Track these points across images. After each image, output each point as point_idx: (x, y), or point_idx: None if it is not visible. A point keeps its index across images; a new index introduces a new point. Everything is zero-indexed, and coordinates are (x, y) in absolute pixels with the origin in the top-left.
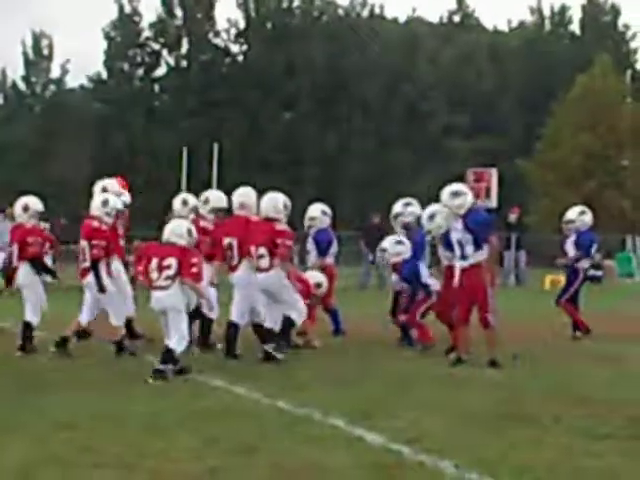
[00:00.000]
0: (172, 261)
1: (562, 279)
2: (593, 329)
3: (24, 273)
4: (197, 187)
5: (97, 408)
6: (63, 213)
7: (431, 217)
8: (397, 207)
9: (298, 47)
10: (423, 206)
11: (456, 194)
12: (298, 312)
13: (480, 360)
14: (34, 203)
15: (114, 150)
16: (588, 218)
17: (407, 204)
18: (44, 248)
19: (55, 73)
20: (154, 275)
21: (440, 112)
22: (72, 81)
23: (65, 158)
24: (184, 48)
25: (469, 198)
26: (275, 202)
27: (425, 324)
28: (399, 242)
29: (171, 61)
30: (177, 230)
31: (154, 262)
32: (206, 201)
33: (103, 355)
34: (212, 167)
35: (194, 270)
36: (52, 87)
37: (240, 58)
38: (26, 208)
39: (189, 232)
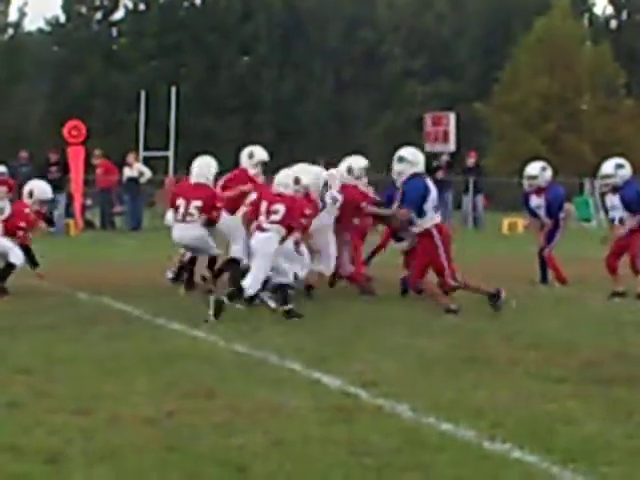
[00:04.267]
0: (280, 207)
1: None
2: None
3: None
4: (155, 130)
5: (53, 352)
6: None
7: None
8: (608, 168)
9: None
10: (377, 151)
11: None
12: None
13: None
14: None
15: (72, 94)
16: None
17: (619, 166)
18: None
19: (13, 17)
20: (262, 217)
21: (398, 56)
22: (30, 24)
23: (23, 102)
24: None
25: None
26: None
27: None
28: None
29: (129, 4)
30: (283, 180)
31: (264, 205)
32: (251, 155)
33: (56, 299)
34: (170, 111)
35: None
36: (10, 31)
37: (198, 1)
38: None
39: (296, 181)
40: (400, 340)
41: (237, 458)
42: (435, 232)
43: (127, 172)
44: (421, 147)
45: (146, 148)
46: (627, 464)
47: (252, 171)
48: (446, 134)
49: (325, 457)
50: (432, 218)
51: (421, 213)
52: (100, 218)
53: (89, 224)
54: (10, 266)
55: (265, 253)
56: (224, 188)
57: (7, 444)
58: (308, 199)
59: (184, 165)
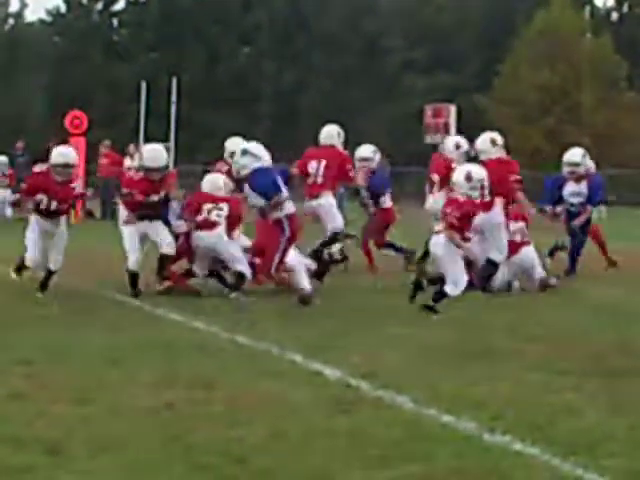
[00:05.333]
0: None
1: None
2: (557, 266)
3: None
4: (156, 121)
5: (53, 343)
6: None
7: None
8: (576, 157)
9: None
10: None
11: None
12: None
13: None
14: None
15: (73, 84)
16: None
17: (585, 155)
18: None
19: (14, 7)
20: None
21: (399, 47)
22: (31, 15)
23: (23, 92)
24: None
25: None
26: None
27: None
28: None
29: None
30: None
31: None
32: (339, 134)
33: (56, 290)
34: (171, 102)
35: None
36: (11, 21)
37: None
38: None
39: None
40: (401, 331)
41: (237, 449)
42: (286, 223)
43: (128, 162)
44: (421, 138)
45: (147, 139)
46: (628, 456)
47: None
48: (446, 126)
49: (325, 449)
50: (287, 208)
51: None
52: (101, 208)
53: (89, 214)
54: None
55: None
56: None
57: (8, 435)
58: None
59: (185, 156)
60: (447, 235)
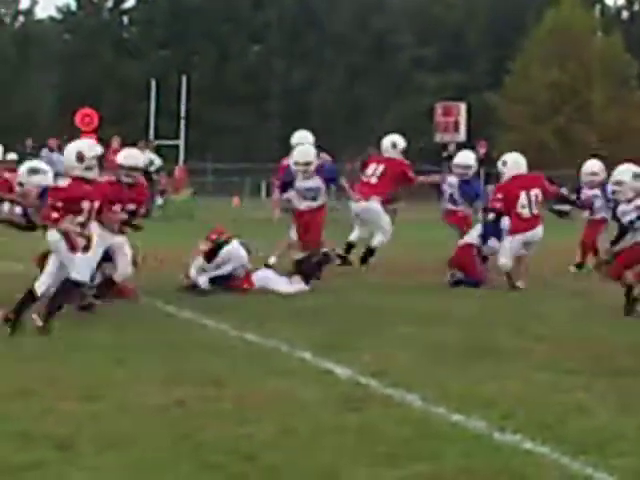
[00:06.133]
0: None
1: None
2: (564, 264)
3: None
4: (166, 119)
5: (63, 339)
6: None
7: None
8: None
9: None
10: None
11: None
12: None
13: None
14: None
15: (82, 82)
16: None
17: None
18: None
19: (25, 4)
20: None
21: (409, 45)
22: (41, 12)
23: (33, 90)
24: None
25: None
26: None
27: None
28: None
29: None
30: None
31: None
32: (394, 145)
33: None
34: (180, 99)
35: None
36: (21, 18)
37: None
38: None
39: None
40: (410, 330)
41: (246, 447)
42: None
43: None
44: (432, 137)
45: (156, 137)
46: (638, 455)
47: None
48: (456, 124)
49: (334, 446)
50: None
51: None
52: None
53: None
54: None
55: None
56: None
57: (18, 431)
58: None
59: (194, 154)
60: None
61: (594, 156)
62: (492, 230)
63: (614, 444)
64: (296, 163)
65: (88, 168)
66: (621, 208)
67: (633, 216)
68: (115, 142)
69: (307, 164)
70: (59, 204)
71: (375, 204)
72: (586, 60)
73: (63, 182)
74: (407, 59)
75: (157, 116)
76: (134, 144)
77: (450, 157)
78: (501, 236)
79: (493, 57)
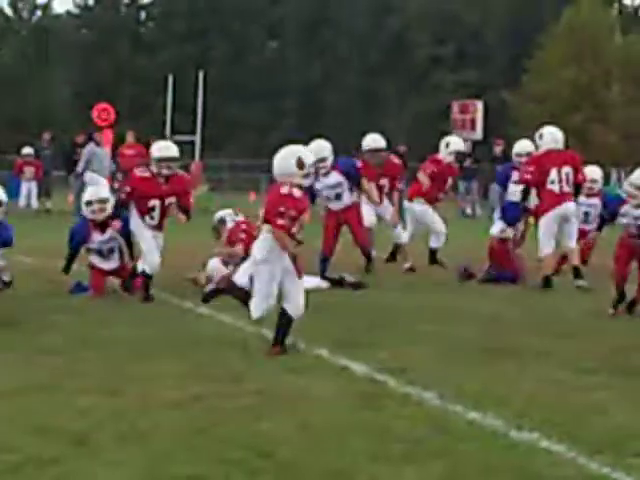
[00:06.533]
0: None
1: None
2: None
3: None
4: (182, 115)
5: (82, 334)
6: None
7: None
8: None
9: None
10: (404, 139)
11: None
12: None
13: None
14: None
15: (99, 77)
16: None
17: None
18: None
19: None
20: None
21: (426, 43)
22: (59, 7)
23: (50, 84)
24: None
25: None
26: None
27: None
28: None
29: None
30: None
31: None
32: (447, 145)
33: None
34: (197, 95)
35: None
36: (38, 13)
37: None
38: None
39: None
40: (428, 328)
41: (263, 443)
42: None
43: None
44: (448, 134)
45: (172, 132)
46: None
47: None
48: (473, 122)
49: (351, 443)
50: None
51: None
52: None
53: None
54: None
55: None
56: None
57: (37, 426)
58: None
59: (210, 150)
60: None
61: (594, 163)
62: (511, 211)
63: (631, 443)
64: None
65: (306, 175)
66: (627, 209)
67: (632, 222)
68: (130, 137)
69: (322, 160)
70: (293, 213)
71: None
72: (604, 59)
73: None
74: (424, 57)
75: (173, 112)
76: (148, 140)
77: (466, 155)
78: (519, 219)
79: (510, 55)
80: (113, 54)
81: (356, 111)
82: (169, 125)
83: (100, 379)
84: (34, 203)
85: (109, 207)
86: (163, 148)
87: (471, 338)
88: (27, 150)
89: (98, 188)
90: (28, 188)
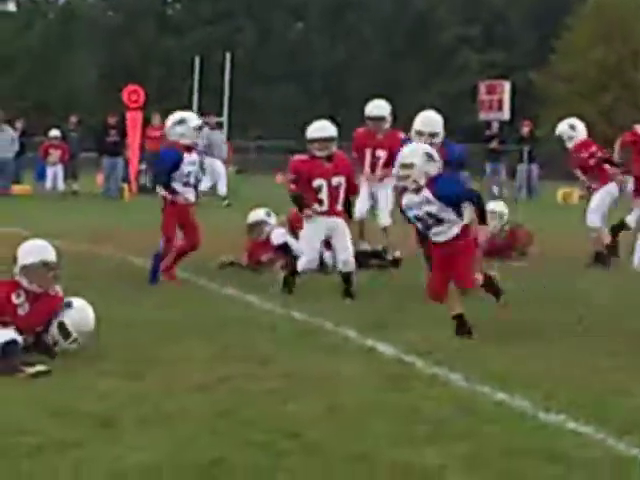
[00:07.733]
0: None
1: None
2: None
3: None
4: (209, 97)
5: (106, 317)
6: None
7: None
8: None
9: None
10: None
11: None
12: None
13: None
14: None
15: (126, 59)
16: None
17: None
18: None
19: None
20: None
21: (451, 24)
22: None
23: (76, 67)
24: None
25: None
26: None
27: None
28: None
29: None
30: None
31: None
32: (572, 127)
33: (109, 264)
34: (224, 77)
35: None
36: None
37: None
38: None
39: None
40: None
41: (290, 425)
42: None
43: None
44: (475, 115)
45: (200, 115)
46: None
47: None
48: (500, 102)
49: (378, 424)
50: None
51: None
52: (152, 183)
53: (143, 188)
54: None
55: None
56: None
57: (61, 408)
58: None
59: (237, 132)
60: None
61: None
62: None
63: None
64: (419, 133)
65: None
66: None
67: None
68: (156, 119)
69: (433, 135)
70: None
71: None
72: (632, 39)
73: None
74: (451, 37)
75: (200, 94)
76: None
77: (492, 136)
78: None
79: (537, 36)
80: (139, 36)
81: (381, 92)
82: (196, 107)
83: (124, 362)
84: (60, 185)
85: None
86: (318, 129)
87: (497, 319)
88: (54, 132)
89: None
90: (54, 171)
